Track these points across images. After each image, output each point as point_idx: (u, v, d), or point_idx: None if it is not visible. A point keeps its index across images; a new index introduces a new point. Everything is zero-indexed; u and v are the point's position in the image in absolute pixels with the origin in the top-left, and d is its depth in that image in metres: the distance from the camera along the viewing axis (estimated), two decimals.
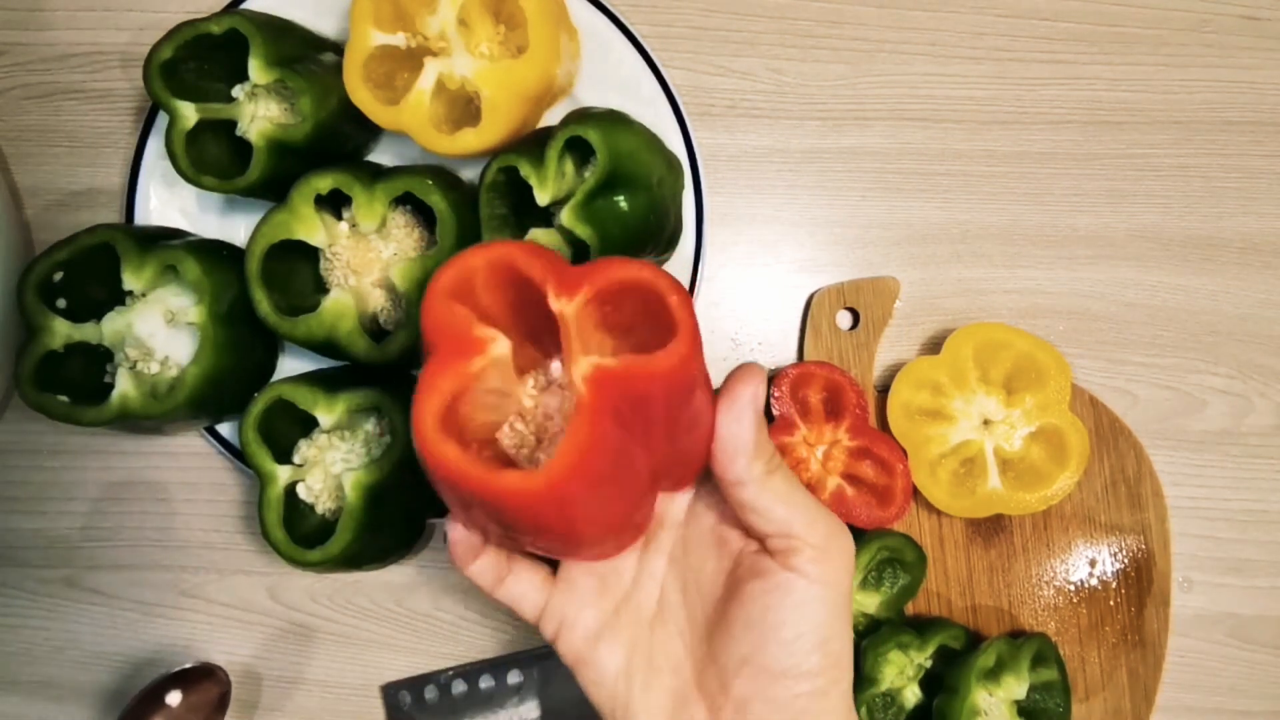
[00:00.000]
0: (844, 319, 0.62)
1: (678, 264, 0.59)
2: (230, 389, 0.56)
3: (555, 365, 0.39)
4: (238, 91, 0.54)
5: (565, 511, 0.35)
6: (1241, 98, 0.64)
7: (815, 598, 0.38)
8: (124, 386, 0.54)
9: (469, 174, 0.58)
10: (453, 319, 0.35)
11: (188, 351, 0.55)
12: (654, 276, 0.36)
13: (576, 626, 0.42)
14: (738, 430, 0.38)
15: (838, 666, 0.39)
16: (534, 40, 0.51)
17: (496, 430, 0.38)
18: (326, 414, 0.53)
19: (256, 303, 0.53)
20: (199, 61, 0.54)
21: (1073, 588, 0.61)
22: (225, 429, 0.59)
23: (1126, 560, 0.61)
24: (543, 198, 0.52)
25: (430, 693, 0.61)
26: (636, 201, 0.52)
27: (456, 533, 0.40)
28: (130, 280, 0.54)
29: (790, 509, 0.39)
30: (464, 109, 0.54)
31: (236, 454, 0.59)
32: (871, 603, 0.58)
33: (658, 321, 0.36)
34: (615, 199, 0.51)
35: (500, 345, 0.36)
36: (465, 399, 0.36)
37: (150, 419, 0.54)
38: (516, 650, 0.62)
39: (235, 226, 0.60)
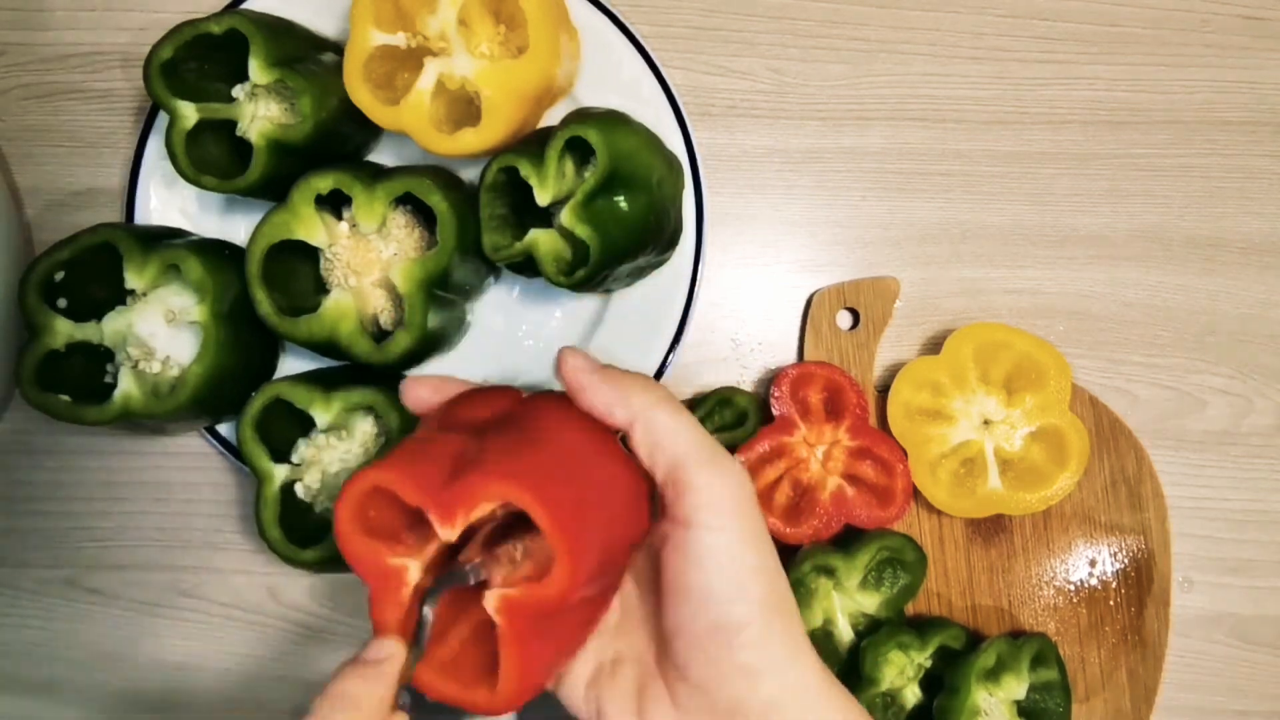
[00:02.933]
0: (844, 319, 0.62)
1: (678, 264, 0.59)
2: (232, 388, 0.56)
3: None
4: (238, 91, 0.54)
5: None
6: (1241, 98, 0.64)
7: (708, 547, 0.37)
8: (126, 386, 0.54)
9: (469, 174, 0.58)
10: (365, 554, 0.38)
11: (189, 351, 0.55)
12: (520, 495, 0.35)
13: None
14: (593, 399, 0.39)
15: (766, 608, 0.37)
16: (534, 40, 0.51)
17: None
18: (323, 413, 0.53)
19: (257, 303, 0.53)
20: (199, 61, 0.54)
21: (1073, 588, 0.61)
22: (225, 428, 0.59)
23: (1126, 560, 0.61)
24: (543, 198, 0.52)
25: None
26: (636, 201, 0.52)
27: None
28: (132, 279, 0.54)
29: (667, 443, 0.38)
30: (464, 109, 0.54)
31: (236, 454, 0.59)
32: (871, 603, 0.58)
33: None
34: (615, 199, 0.51)
35: (414, 571, 0.39)
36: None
37: (152, 418, 0.54)
38: None
39: (235, 226, 0.60)
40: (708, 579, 0.37)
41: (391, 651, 0.37)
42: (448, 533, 0.36)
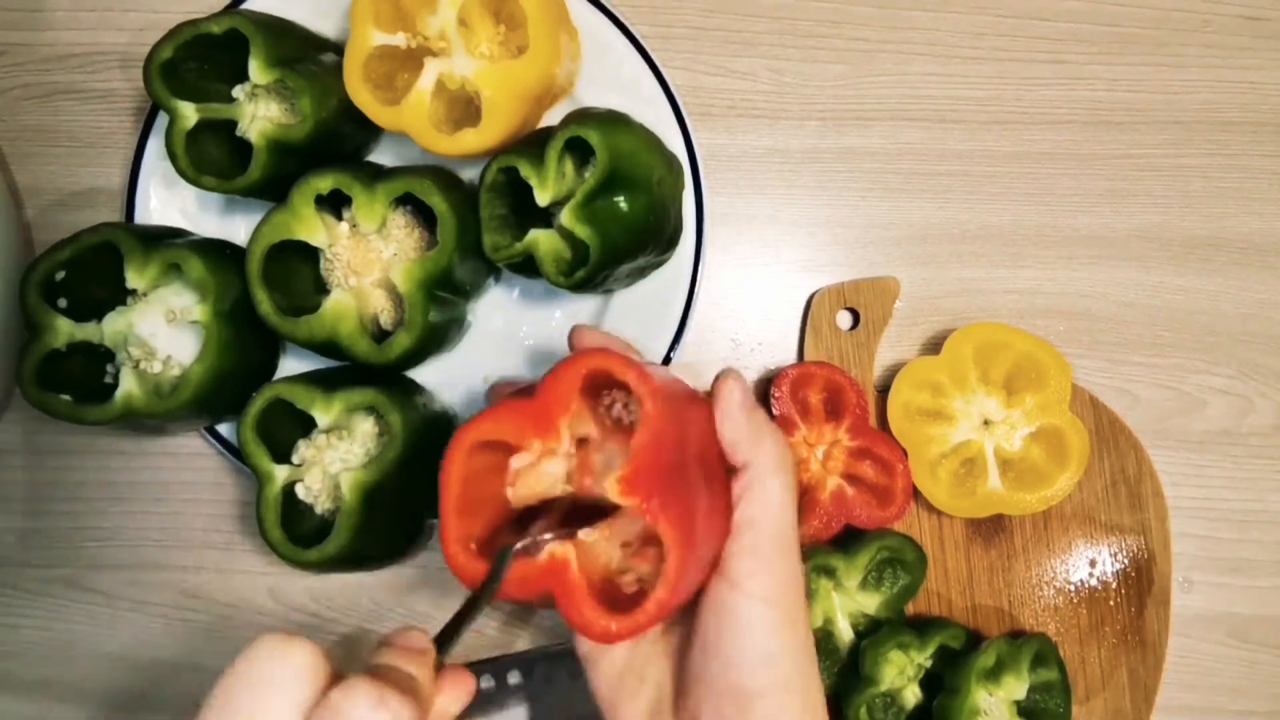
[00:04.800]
0: (844, 319, 0.62)
1: (678, 264, 0.59)
2: (233, 388, 0.56)
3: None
4: (238, 91, 0.54)
5: None
6: (1241, 98, 0.64)
7: (752, 616, 0.38)
8: (128, 385, 0.54)
9: (469, 174, 0.58)
10: (563, 395, 0.38)
11: (190, 351, 0.55)
12: (669, 543, 0.37)
13: (608, 653, 0.43)
14: (730, 430, 0.40)
15: (789, 690, 0.38)
16: (534, 40, 0.51)
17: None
18: (324, 413, 0.53)
19: (258, 303, 0.53)
20: (199, 61, 0.54)
21: (1073, 588, 0.61)
22: (225, 428, 0.59)
23: (1126, 560, 0.61)
24: (543, 198, 0.52)
25: None
26: (637, 202, 0.52)
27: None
28: (133, 279, 0.54)
29: (762, 506, 0.39)
30: (464, 109, 0.54)
31: (237, 454, 0.59)
32: (871, 603, 0.58)
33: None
34: (615, 199, 0.51)
35: (557, 465, 0.40)
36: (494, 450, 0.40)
37: (154, 418, 0.54)
38: (517, 650, 0.62)
39: (235, 227, 0.60)
40: (740, 643, 0.38)
41: (425, 647, 0.35)
42: (623, 498, 0.37)
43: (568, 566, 0.38)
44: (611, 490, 0.37)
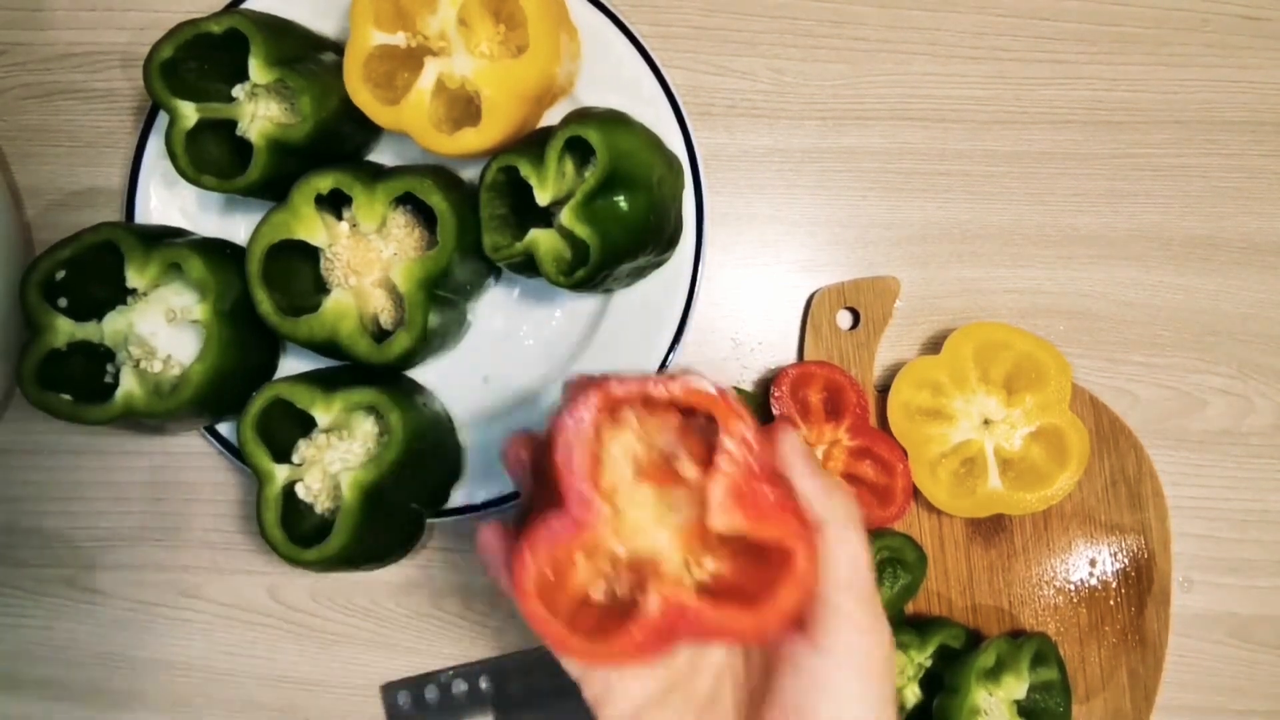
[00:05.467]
0: (844, 319, 0.62)
1: (678, 264, 0.59)
2: (234, 387, 0.56)
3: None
4: (238, 91, 0.54)
5: None
6: (1241, 98, 0.64)
7: (855, 693, 0.36)
8: (129, 385, 0.54)
9: (469, 174, 0.58)
10: (578, 470, 0.36)
11: (190, 350, 0.55)
12: (792, 542, 0.35)
13: (621, 697, 0.39)
14: (802, 484, 0.38)
15: None
16: (534, 40, 0.51)
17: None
18: (324, 413, 0.53)
19: (258, 303, 0.53)
20: (199, 61, 0.54)
21: (1073, 587, 0.61)
22: (225, 428, 0.59)
23: (1127, 560, 0.61)
24: (543, 198, 0.52)
25: (430, 693, 0.61)
26: (636, 201, 0.52)
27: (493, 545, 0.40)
28: (134, 278, 0.54)
29: (851, 566, 0.37)
30: (464, 109, 0.54)
31: (237, 454, 0.59)
32: None
33: (778, 567, 0.36)
34: (615, 199, 0.51)
35: (606, 529, 0.36)
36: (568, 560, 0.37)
37: (154, 417, 0.54)
38: (518, 651, 0.62)
39: (235, 226, 0.60)
40: (833, 712, 0.36)
41: None
42: (714, 518, 0.35)
43: (680, 596, 0.36)
44: (720, 522, 0.35)
